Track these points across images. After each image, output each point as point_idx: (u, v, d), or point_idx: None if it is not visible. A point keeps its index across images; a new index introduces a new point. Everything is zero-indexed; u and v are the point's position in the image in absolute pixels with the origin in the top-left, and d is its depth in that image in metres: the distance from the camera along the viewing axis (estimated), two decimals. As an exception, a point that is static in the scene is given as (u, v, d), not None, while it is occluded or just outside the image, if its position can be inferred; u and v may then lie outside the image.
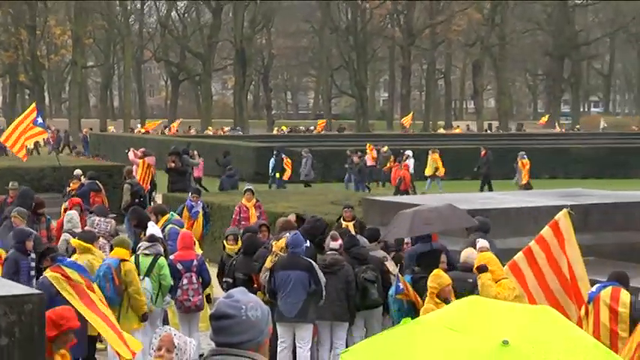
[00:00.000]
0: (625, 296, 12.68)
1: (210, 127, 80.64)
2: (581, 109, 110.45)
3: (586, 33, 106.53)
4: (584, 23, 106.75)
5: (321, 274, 15.47)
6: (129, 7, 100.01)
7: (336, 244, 16.36)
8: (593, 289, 13.11)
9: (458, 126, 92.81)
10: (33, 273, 16.23)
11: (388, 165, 51.50)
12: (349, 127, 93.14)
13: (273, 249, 16.47)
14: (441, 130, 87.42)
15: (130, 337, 12.84)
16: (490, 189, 45.27)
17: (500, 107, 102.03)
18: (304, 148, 53.31)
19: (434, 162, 50.56)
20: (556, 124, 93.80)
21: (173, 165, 35.20)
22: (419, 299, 14.52)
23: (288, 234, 16.57)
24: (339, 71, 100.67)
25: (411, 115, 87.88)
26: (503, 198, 25.69)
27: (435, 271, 13.70)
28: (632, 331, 12.28)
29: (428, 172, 50.41)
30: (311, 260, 15.77)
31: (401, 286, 14.87)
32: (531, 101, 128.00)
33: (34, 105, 35.75)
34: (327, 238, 16.72)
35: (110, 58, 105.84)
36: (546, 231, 13.82)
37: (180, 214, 23.17)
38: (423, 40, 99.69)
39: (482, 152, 50.70)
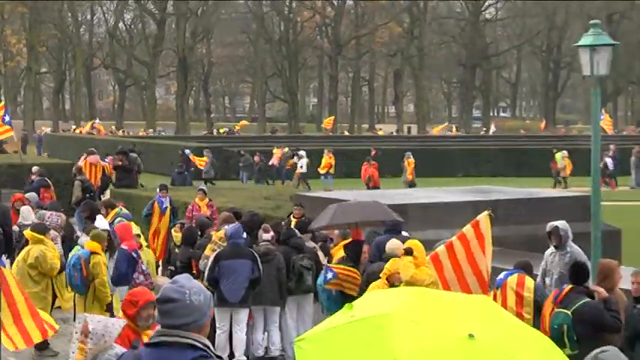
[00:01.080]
0: (529, 282, 12.92)
1: (142, 130, 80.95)
2: (491, 114, 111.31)
3: (495, 45, 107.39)
4: (493, 36, 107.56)
5: (260, 264, 15.59)
6: (80, 19, 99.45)
7: (268, 236, 16.50)
8: (501, 276, 13.30)
9: (381, 128, 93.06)
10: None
11: (288, 164, 52.43)
12: (281, 130, 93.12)
13: (213, 238, 16.45)
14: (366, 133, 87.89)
15: (48, 317, 12.94)
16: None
17: (419, 112, 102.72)
18: (240, 148, 53.53)
19: (328, 161, 51.34)
20: (453, 127, 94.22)
21: (120, 163, 35.04)
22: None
23: (227, 226, 16.53)
24: (272, 78, 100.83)
25: (332, 118, 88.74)
26: (419, 194, 25.83)
27: (394, 258, 13.70)
28: (536, 314, 12.53)
29: (323, 168, 51.12)
30: (253, 250, 15.86)
31: (329, 276, 14.94)
32: (446, 106, 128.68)
33: (2, 104, 35.42)
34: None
35: (62, 64, 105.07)
36: (467, 229, 14.03)
37: (151, 209, 23.28)
38: (349, 51, 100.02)
39: (373, 152, 51.12)
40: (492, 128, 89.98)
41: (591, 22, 20.46)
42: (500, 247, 19.60)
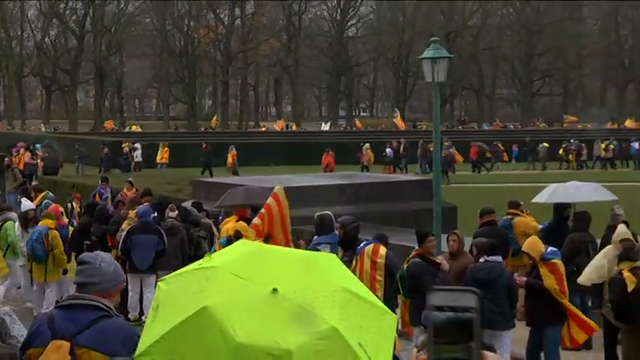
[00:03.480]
0: (382, 250, 12.84)
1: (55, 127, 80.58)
2: (353, 114, 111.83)
3: (356, 58, 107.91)
4: (355, 50, 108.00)
5: (165, 238, 15.72)
6: (11, 34, 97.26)
7: (174, 214, 16.68)
8: (361, 245, 13.30)
9: (264, 125, 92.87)
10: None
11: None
12: (182, 127, 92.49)
13: (129, 215, 16.48)
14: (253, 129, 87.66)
15: None
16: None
17: (295, 112, 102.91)
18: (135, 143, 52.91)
19: (162, 154, 50.93)
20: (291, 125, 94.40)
21: (47, 155, 34.68)
22: None
23: (139, 206, 16.69)
24: (174, 84, 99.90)
25: (215, 117, 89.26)
26: (296, 179, 25.83)
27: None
28: (387, 276, 12.55)
29: (159, 159, 50.77)
30: (160, 227, 15.97)
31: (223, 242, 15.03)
32: (317, 108, 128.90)
33: None
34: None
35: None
36: (271, 201, 14.40)
37: (93, 199, 23.24)
38: (238, 61, 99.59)
39: (204, 146, 50.89)
40: (323, 126, 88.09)
41: (432, 39, 20.70)
42: (362, 221, 19.74)
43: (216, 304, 4.13)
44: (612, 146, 59.90)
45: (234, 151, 50.29)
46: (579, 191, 17.06)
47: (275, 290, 4.13)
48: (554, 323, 11.94)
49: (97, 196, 23.81)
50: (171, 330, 4.20)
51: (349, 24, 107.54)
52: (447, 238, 13.23)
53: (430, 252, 12.30)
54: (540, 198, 16.67)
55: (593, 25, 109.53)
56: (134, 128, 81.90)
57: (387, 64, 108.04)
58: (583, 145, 59.71)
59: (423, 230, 13.06)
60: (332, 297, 4.24)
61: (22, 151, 38.59)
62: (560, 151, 59.74)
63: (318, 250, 13.27)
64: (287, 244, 13.63)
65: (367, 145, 54.18)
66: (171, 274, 4.64)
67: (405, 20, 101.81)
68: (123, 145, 51.87)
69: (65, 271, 15.95)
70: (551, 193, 16.62)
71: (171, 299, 4.38)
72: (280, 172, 36.96)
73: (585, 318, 12.17)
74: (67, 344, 5.36)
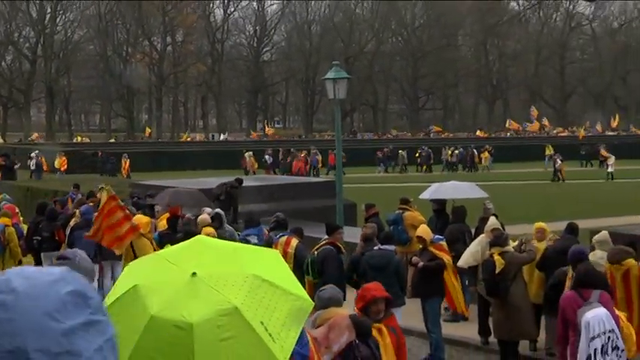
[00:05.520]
0: (294, 242, 12.76)
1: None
2: (269, 125, 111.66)
3: (271, 78, 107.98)
4: (269, 72, 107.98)
5: None
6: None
7: None
8: (277, 237, 13.20)
9: (188, 135, 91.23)
10: None
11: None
12: (122, 137, 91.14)
13: (77, 214, 16.17)
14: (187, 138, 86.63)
15: None
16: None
17: (219, 125, 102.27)
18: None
19: (61, 163, 48.04)
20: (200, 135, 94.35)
21: (3, 163, 33.93)
22: None
23: (83, 206, 16.52)
24: (115, 101, 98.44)
25: (149, 129, 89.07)
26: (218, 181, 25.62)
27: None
28: (295, 265, 12.36)
29: (58, 166, 47.53)
30: None
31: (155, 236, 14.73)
32: (238, 121, 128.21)
33: None
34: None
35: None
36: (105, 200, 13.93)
37: (67, 202, 22.43)
38: (170, 82, 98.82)
39: (99, 154, 49.91)
40: (222, 136, 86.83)
41: (334, 62, 20.75)
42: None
43: (144, 283, 4.14)
44: (457, 152, 60.69)
45: (127, 159, 48.79)
46: (457, 189, 17.23)
47: (194, 274, 4.07)
48: (435, 297, 12.15)
49: (70, 200, 23.19)
50: (110, 305, 4.14)
51: (264, 50, 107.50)
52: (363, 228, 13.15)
53: (339, 241, 12.30)
54: (425, 195, 16.79)
55: (467, 51, 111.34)
56: (80, 139, 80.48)
57: (297, 83, 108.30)
58: (430, 151, 59.90)
59: (333, 223, 13.07)
60: (242, 282, 4.17)
61: None
62: (417, 155, 59.92)
63: (248, 240, 13.25)
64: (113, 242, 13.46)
65: (250, 152, 53.56)
66: (135, 260, 4.70)
67: (312, 47, 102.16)
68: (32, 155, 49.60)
69: (20, 262, 15.49)
70: (434, 191, 16.75)
71: (120, 281, 4.34)
72: (208, 175, 36.67)
73: (457, 295, 12.40)
74: None
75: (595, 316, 8.55)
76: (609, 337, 8.53)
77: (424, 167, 58.67)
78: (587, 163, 61.81)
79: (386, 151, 59.88)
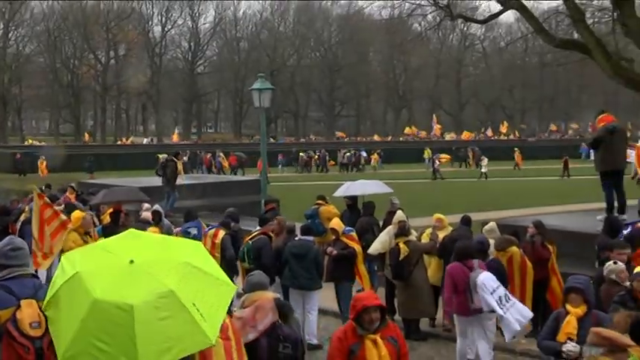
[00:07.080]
0: (221, 234, 12.61)
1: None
2: (203, 131, 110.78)
3: (204, 89, 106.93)
4: (203, 83, 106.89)
5: None
6: None
7: (60, 208, 15.66)
8: (207, 229, 13.08)
9: (131, 139, 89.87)
10: None
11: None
12: (70, 141, 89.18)
13: (25, 209, 15.73)
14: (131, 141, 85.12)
15: None
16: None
17: (158, 130, 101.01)
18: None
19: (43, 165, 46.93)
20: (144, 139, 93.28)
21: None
22: None
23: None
24: (64, 108, 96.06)
25: (88, 134, 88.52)
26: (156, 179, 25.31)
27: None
28: (222, 255, 12.24)
29: None
30: None
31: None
32: (175, 126, 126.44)
33: None
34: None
35: None
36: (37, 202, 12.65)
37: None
38: (113, 91, 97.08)
39: (18, 156, 48.53)
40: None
41: (259, 74, 20.72)
42: (209, 211, 19.54)
43: (86, 270, 4.16)
44: (348, 154, 61.20)
45: (44, 160, 47.43)
46: (366, 187, 17.38)
47: (132, 261, 4.14)
48: (347, 280, 12.25)
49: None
50: (57, 291, 4.28)
51: (198, 63, 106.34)
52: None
53: (270, 231, 12.29)
54: (339, 192, 16.88)
55: (377, 66, 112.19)
56: (31, 142, 78.54)
57: (227, 93, 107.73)
58: (327, 153, 60.20)
59: (265, 216, 13.09)
60: (175, 269, 4.24)
61: None
62: (315, 157, 60.38)
63: (189, 232, 13.08)
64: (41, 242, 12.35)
65: (165, 155, 52.86)
66: (72, 251, 4.69)
67: (240, 61, 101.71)
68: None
69: None
70: (347, 189, 16.85)
71: (60, 270, 4.37)
72: (149, 175, 36.08)
73: (364, 279, 12.55)
74: (34, 301, 5.29)
75: (485, 276, 9.49)
76: (503, 288, 9.50)
77: (318, 167, 59.05)
78: (463, 164, 63.00)
79: (291, 154, 60.77)
